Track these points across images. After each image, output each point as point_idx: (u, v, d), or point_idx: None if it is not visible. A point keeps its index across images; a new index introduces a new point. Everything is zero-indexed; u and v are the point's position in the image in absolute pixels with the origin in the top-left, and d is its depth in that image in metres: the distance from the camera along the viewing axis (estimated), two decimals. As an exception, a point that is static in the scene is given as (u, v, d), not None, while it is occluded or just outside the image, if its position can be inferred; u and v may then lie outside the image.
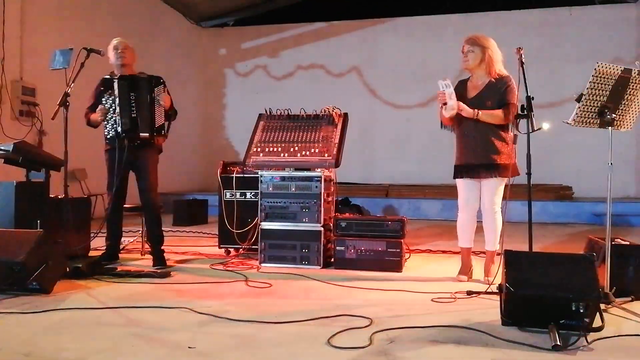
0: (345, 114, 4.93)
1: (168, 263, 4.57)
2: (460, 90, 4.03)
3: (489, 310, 3.10)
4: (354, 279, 4.02)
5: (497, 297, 2.98)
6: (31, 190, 4.39)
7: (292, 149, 4.78)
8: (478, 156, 3.92)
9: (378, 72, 11.32)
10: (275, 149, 4.83)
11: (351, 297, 3.52)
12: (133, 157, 4.50)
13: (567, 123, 3.32)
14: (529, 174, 3.48)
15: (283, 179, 4.68)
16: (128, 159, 4.46)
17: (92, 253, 4.82)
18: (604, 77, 3.20)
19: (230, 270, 4.36)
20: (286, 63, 11.86)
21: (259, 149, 4.87)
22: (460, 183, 4.07)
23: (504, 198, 3.91)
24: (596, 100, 3.24)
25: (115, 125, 4.47)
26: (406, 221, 4.54)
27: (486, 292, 3.47)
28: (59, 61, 4.17)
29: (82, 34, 7.69)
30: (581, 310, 2.58)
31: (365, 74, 11.45)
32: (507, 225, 3.99)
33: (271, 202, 4.68)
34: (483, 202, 3.98)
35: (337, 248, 4.51)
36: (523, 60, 3.57)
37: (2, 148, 4.34)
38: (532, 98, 3.50)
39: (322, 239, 4.53)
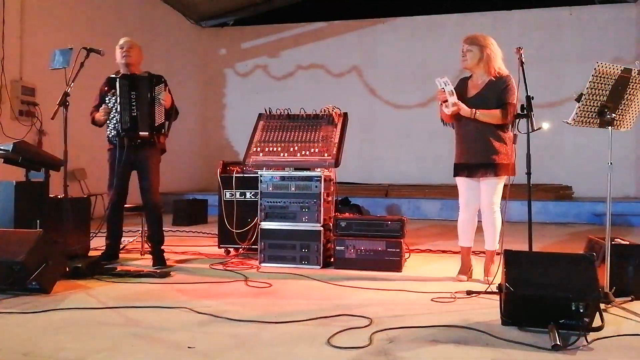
0: (345, 114, 4.93)
1: (168, 263, 4.57)
2: (461, 88, 4.04)
3: (489, 310, 3.10)
4: (354, 279, 4.02)
5: (497, 297, 2.98)
6: (31, 190, 4.39)
7: (291, 149, 4.78)
8: (476, 155, 3.92)
9: (378, 72, 11.32)
10: (275, 149, 4.82)
11: (351, 297, 3.52)
12: (135, 157, 4.50)
13: (567, 123, 3.32)
14: (528, 173, 3.47)
15: (283, 178, 4.68)
16: (130, 158, 4.47)
17: (91, 253, 4.82)
18: (604, 77, 3.20)
19: (230, 270, 4.36)
20: (286, 63, 11.86)
21: (258, 149, 4.87)
22: (460, 182, 4.07)
23: (503, 198, 3.91)
24: (596, 100, 3.24)
25: (117, 124, 4.47)
26: (406, 221, 4.54)
27: (486, 292, 3.47)
28: (58, 61, 4.17)
29: (82, 34, 7.69)
30: (581, 310, 2.58)
31: (365, 74, 11.45)
32: (507, 225, 3.99)
33: (271, 202, 4.68)
34: (482, 201, 3.98)
35: (337, 248, 4.51)
36: (523, 60, 3.57)
37: (2, 148, 4.34)
38: (532, 98, 3.50)
39: (322, 239, 4.53)
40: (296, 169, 4.69)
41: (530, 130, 3.45)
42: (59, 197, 4.42)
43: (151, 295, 3.51)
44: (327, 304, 3.26)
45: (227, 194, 5.12)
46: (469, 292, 3.52)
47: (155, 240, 4.60)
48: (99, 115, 4.52)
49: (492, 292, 3.33)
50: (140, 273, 4.13)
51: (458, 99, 3.89)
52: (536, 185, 7.65)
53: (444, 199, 8.98)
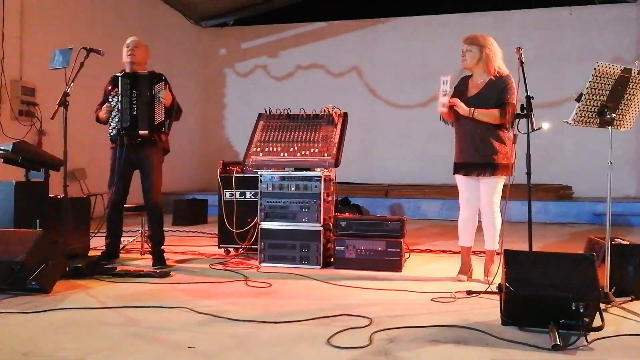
0: (345, 114, 4.93)
1: (168, 263, 4.57)
2: (462, 87, 4.05)
3: (489, 310, 3.10)
4: (354, 279, 4.02)
5: (497, 297, 2.98)
6: (31, 190, 4.40)
7: (291, 149, 4.78)
8: (475, 155, 3.92)
9: (378, 72, 11.32)
10: (274, 149, 4.82)
11: (351, 297, 3.52)
12: (135, 156, 4.50)
13: (567, 123, 3.32)
14: (528, 173, 3.47)
15: (283, 178, 4.68)
16: (130, 157, 4.47)
17: (91, 253, 4.82)
18: (604, 77, 3.20)
19: (230, 270, 4.36)
20: (286, 63, 11.86)
21: (258, 149, 4.87)
22: (460, 182, 4.07)
23: (503, 198, 3.91)
24: (596, 99, 3.24)
25: (118, 123, 4.47)
26: (406, 221, 4.54)
27: (486, 292, 3.47)
28: (58, 61, 4.17)
29: (82, 34, 7.70)
30: (581, 310, 2.57)
31: (365, 74, 11.45)
32: (507, 225, 3.99)
33: (271, 202, 4.68)
34: (482, 201, 3.98)
35: (337, 248, 4.51)
36: (523, 59, 3.58)
37: (2, 148, 4.34)
38: (532, 98, 3.50)
39: (322, 239, 4.53)
40: (296, 169, 4.69)
41: (530, 130, 3.46)
42: (59, 197, 4.42)
43: (151, 295, 3.51)
44: (327, 304, 3.26)
45: (227, 194, 5.12)
46: (469, 292, 3.52)
47: (155, 240, 4.60)
48: (102, 113, 4.55)
49: (492, 292, 3.33)
50: (140, 273, 4.13)
51: (458, 97, 3.90)
52: (536, 185, 7.64)
53: (444, 199, 8.98)
